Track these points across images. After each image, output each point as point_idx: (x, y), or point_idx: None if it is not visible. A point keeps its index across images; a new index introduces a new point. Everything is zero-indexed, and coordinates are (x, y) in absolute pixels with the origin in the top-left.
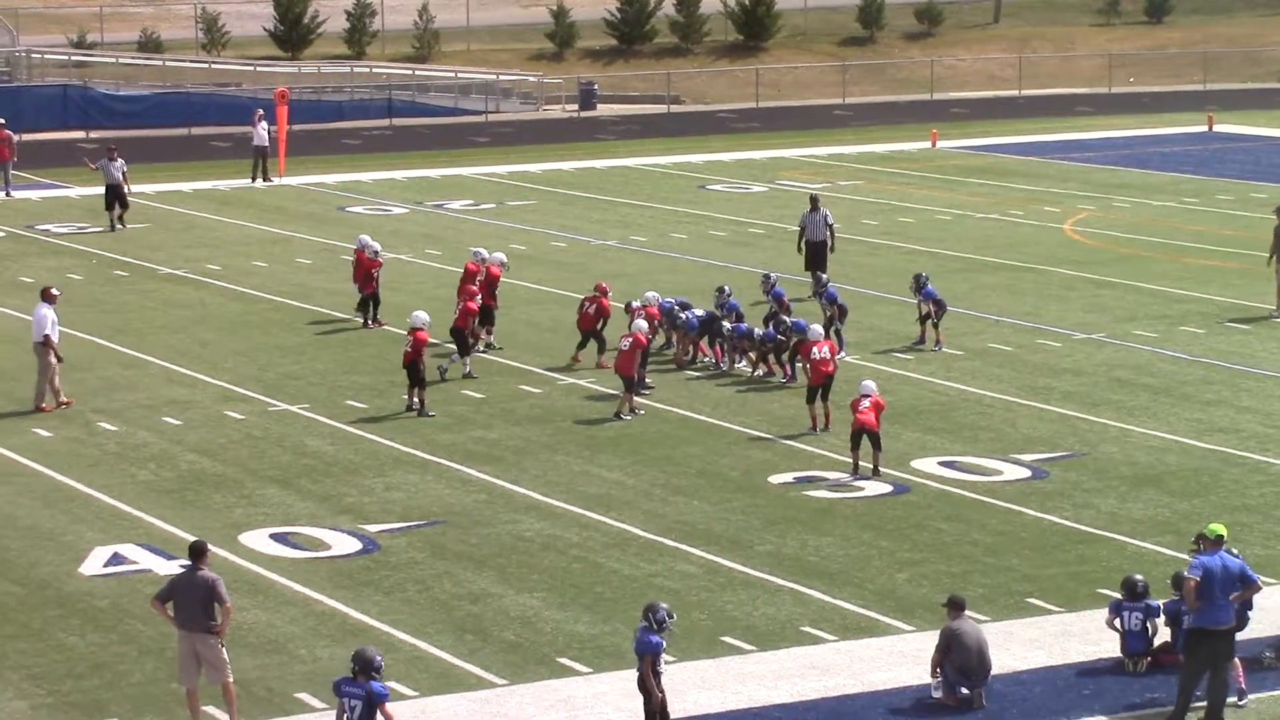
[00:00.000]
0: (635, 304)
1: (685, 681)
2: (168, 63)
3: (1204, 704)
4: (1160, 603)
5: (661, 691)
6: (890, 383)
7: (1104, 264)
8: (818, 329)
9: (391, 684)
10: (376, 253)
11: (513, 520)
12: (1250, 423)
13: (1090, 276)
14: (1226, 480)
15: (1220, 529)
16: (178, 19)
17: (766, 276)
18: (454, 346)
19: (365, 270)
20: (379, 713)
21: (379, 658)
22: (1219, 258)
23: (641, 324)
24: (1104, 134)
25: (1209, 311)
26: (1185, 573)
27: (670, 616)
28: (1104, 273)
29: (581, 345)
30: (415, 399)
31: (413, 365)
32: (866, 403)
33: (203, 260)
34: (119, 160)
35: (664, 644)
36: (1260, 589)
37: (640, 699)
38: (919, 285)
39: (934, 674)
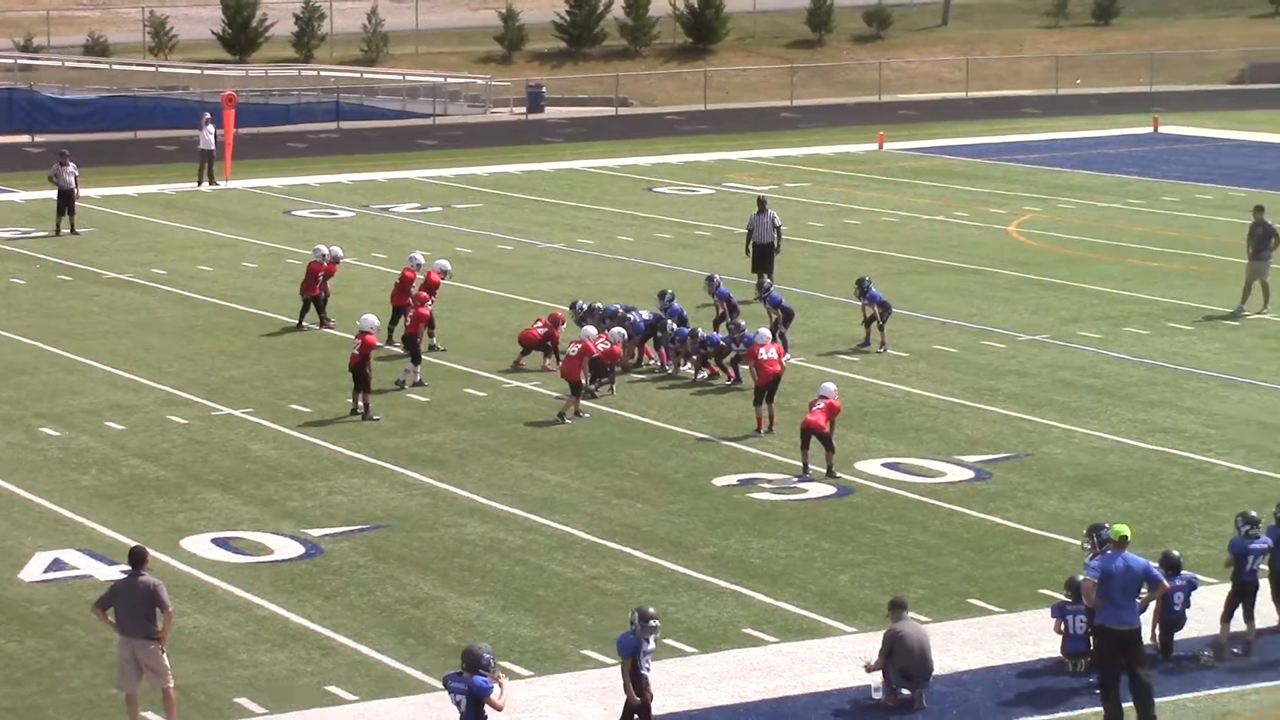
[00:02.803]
0: (580, 303)
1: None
2: (114, 66)
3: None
4: None
5: (644, 694)
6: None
7: (1049, 265)
8: (765, 331)
9: (331, 688)
10: (336, 259)
11: (456, 524)
12: (1192, 423)
13: (1035, 278)
14: (1168, 480)
15: (1124, 529)
16: (125, 22)
17: (710, 278)
18: (400, 350)
19: (311, 274)
20: (485, 706)
21: (487, 654)
22: (1163, 259)
23: (590, 330)
24: (1050, 135)
25: (1152, 312)
26: (1083, 574)
27: (651, 620)
28: (1049, 274)
29: (525, 353)
30: (360, 403)
31: (359, 368)
32: (821, 404)
33: (148, 264)
34: (70, 165)
35: (643, 645)
36: (1167, 589)
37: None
38: (863, 290)
39: (872, 669)
